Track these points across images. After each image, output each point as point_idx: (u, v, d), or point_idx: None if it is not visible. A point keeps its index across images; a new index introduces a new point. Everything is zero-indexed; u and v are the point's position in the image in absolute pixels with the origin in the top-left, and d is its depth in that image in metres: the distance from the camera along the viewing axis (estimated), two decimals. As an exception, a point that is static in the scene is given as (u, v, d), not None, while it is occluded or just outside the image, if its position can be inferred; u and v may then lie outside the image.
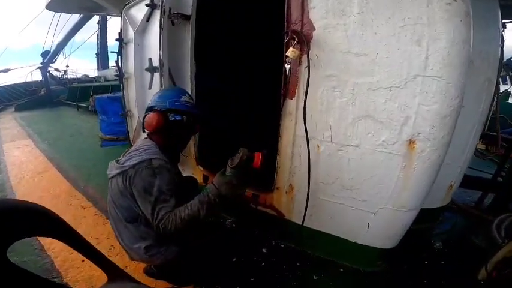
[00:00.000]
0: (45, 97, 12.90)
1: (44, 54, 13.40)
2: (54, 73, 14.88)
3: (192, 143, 2.69)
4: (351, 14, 1.56)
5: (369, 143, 1.67)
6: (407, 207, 1.72)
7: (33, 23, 14.50)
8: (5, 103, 12.64)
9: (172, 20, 2.43)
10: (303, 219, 1.94)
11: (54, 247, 2.18)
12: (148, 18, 2.61)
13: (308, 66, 1.66)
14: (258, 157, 1.43)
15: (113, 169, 1.53)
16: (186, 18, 2.43)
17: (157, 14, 2.52)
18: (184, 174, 1.99)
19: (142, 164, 1.42)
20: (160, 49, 2.42)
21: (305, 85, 1.75)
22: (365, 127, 1.66)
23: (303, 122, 1.78)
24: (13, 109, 11.45)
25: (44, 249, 2.19)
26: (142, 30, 2.82)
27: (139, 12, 2.87)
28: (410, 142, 1.56)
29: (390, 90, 1.54)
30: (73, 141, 5.78)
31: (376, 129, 1.63)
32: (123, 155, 1.57)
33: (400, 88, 1.51)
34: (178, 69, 2.57)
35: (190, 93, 2.47)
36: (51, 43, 13.20)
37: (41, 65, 13.41)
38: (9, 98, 13.38)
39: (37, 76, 14.33)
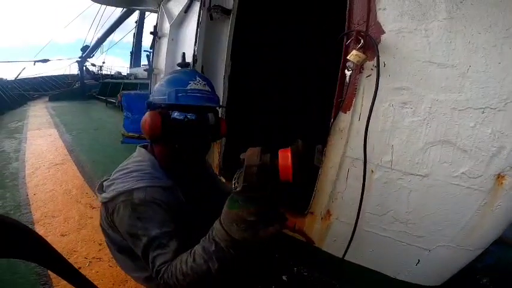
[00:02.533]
0: (78, 90, 13.49)
1: (84, 48, 14.09)
2: (90, 68, 15.56)
3: (216, 149, 2.44)
4: (435, 18, 1.29)
5: (443, 174, 1.38)
6: (474, 247, 1.48)
7: (78, 19, 15.25)
8: (41, 92, 13.31)
9: (211, 14, 2.25)
10: (345, 251, 1.66)
11: (52, 250, 1.98)
12: (186, 9, 2.44)
13: (377, 75, 1.37)
14: (286, 160, 0.71)
15: (99, 188, 1.10)
16: (227, 13, 2.23)
17: (196, 6, 2.36)
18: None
19: (119, 199, 0.96)
20: (195, 44, 2.25)
21: (364, 97, 1.49)
22: (440, 155, 1.36)
23: (356, 141, 1.53)
24: (47, 99, 12.05)
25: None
26: (179, 24, 2.67)
27: (177, 5, 2.72)
28: (499, 177, 1.29)
29: (483, 112, 1.23)
30: (96, 135, 5.81)
31: (456, 158, 1.33)
32: (113, 173, 1.09)
33: (497, 110, 1.21)
34: (211, 68, 2.37)
35: (222, 95, 2.25)
36: (91, 39, 13.83)
37: (79, 59, 14.04)
38: (46, 88, 14.14)
39: (75, 69, 15.05)
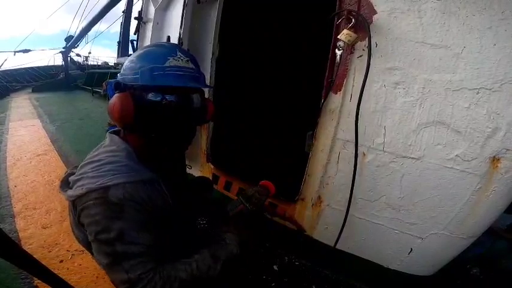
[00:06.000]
0: (62, 80, 13.11)
1: (68, 39, 13.58)
2: (75, 58, 15.08)
3: (203, 134, 2.36)
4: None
5: (436, 157, 1.35)
6: (467, 235, 1.46)
7: (62, 9, 14.72)
8: (24, 84, 12.91)
9: (198, -3, 2.14)
10: (337, 239, 1.63)
11: (32, 242, 1.94)
12: (172, -8, 2.35)
13: (369, 54, 1.31)
14: (271, 187, 1.25)
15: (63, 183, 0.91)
16: (214, -5, 2.13)
17: (182, -11, 2.24)
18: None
19: (91, 196, 0.78)
20: (181, 27, 2.15)
21: (355, 78, 1.44)
22: (434, 136, 1.33)
23: (346, 122, 1.50)
24: (30, 90, 11.73)
25: (20, 243, 1.92)
26: (164, 7, 2.58)
27: (163, -12, 2.59)
28: (494, 160, 1.26)
29: (477, 93, 1.20)
30: (81, 124, 5.68)
31: (450, 140, 1.30)
32: (80, 167, 0.88)
33: (492, 91, 1.18)
34: (198, 51, 2.27)
35: (209, 79, 2.17)
36: (76, 29, 13.39)
37: (63, 49, 13.59)
38: (29, 79, 13.70)
39: (60, 61, 14.58)
